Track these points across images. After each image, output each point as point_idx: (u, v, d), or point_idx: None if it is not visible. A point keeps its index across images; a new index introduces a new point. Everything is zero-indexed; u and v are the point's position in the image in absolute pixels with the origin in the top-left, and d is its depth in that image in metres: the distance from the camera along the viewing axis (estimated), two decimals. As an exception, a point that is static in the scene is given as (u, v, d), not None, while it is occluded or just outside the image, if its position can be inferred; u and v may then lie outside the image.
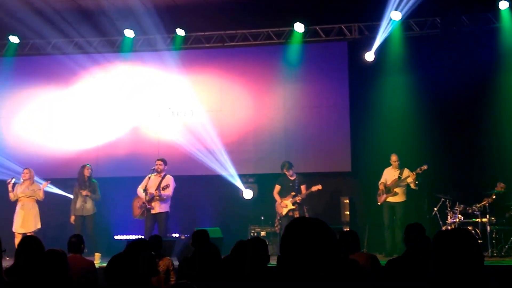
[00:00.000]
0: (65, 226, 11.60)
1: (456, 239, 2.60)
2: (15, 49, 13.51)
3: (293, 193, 11.27)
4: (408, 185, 11.10)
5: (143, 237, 9.58)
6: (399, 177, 11.14)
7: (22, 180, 11.25)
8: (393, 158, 11.28)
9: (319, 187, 11.18)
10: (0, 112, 13.56)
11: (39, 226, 11.06)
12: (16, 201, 11.18)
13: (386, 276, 5.20)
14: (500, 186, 10.69)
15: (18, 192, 11.17)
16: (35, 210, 11.15)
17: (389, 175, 11.29)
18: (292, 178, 11.40)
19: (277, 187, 11.49)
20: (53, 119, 13.38)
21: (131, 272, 3.76)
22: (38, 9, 12.34)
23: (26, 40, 13.41)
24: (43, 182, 11.36)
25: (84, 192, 11.25)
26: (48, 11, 12.45)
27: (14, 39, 13.33)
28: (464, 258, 2.53)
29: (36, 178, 11.36)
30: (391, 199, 11.19)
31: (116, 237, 12.48)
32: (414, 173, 10.97)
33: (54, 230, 11.34)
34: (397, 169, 11.24)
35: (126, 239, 10.75)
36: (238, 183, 12.53)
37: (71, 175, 11.75)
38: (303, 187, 11.32)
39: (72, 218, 11.34)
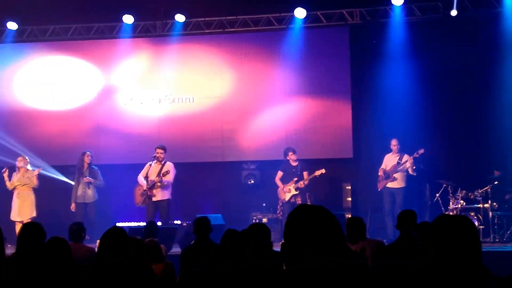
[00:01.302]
0: (62, 214, 11.61)
1: (453, 225, 2.59)
2: (13, 35, 13.39)
3: (295, 179, 11.27)
4: (407, 171, 11.10)
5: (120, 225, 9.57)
6: (398, 162, 11.14)
7: (18, 168, 11.24)
8: (393, 142, 11.28)
9: (323, 171, 11.18)
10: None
11: (34, 214, 11.03)
12: (13, 190, 11.21)
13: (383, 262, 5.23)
14: (496, 175, 10.72)
15: (14, 180, 11.18)
16: (31, 198, 11.15)
17: (389, 160, 11.30)
18: (294, 164, 11.40)
19: (280, 173, 11.50)
20: (54, 104, 13.31)
21: (118, 259, 3.76)
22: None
23: (24, 26, 13.31)
24: (36, 169, 11.35)
25: (86, 179, 11.27)
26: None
27: (12, 25, 13.19)
28: (461, 244, 2.51)
29: (29, 166, 11.31)
30: (390, 185, 11.19)
31: (118, 224, 12.47)
32: (412, 157, 10.97)
33: (51, 218, 11.29)
34: (397, 154, 11.24)
35: (128, 226, 10.76)
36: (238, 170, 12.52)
37: (72, 162, 11.79)
38: (305, 173, 11.32)
39: (73, 206, 11.37)
